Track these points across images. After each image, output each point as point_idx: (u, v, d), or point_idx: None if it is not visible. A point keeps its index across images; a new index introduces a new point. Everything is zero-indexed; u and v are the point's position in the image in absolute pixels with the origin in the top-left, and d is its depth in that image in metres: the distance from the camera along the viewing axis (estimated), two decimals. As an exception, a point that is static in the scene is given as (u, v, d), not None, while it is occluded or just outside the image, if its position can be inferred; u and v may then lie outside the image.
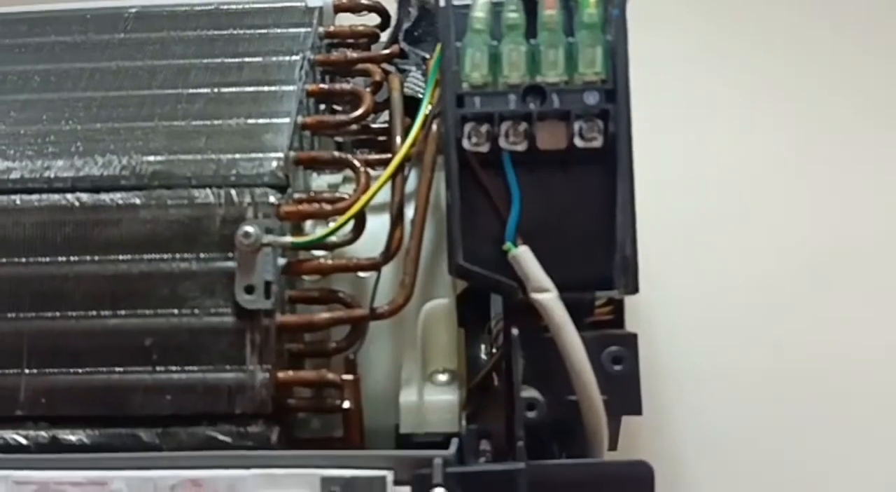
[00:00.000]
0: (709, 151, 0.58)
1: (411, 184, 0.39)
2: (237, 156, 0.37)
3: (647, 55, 0.37)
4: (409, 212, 0.38)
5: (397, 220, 0.36)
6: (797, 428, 0.55)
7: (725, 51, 0.60)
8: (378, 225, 0.38)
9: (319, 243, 0.36)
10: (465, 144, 0.33)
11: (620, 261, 0.32)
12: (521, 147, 0.33)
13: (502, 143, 0.33)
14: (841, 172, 0.58)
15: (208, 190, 0.36)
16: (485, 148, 0.33)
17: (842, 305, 0.56)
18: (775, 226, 0.57)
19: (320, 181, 0.43)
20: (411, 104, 0.42)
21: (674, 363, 0.56)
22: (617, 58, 0.32)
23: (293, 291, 0.37)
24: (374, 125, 0.43)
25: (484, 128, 0.32)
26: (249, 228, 0.35)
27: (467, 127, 0.33)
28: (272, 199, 0.36)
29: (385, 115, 0.43)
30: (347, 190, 0.40)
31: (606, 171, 0.33)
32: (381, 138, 0.44)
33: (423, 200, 0.37)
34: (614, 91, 0.32)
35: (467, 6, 0.34)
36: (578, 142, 0.32)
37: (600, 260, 0.33)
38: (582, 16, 0.32)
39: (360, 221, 0.37)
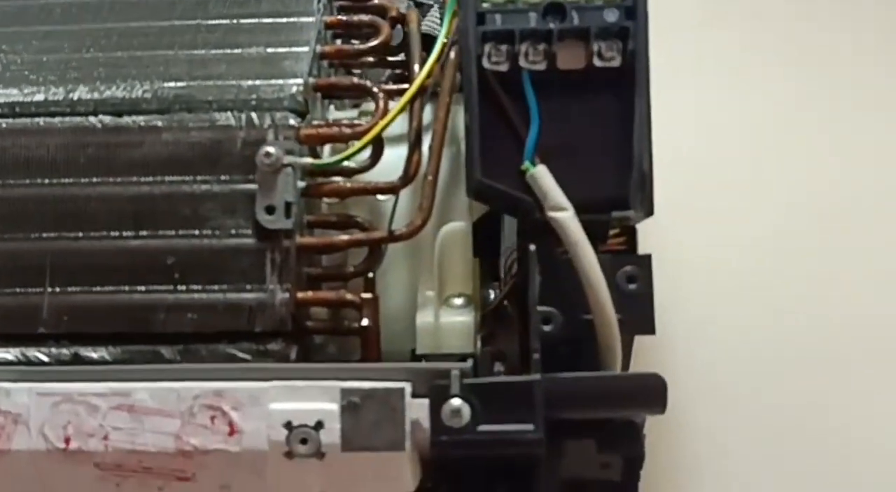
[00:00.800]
0: (714, 108, 0.57)
1: (427, 117, 0.41)
2: (257, 82, 0.38)
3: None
4: (426, 142, 0.39)
5: (415, 145, 0.37)
6: (803, 385, 0.55)
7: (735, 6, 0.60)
8: (395, 156, 0.39)
9: (338, 167, 0.38)
10: (485, 63, 0.33)
11: (637, 177, 0.33)
12: (541, 67, 0.33)
13: (522, 62, 0.33)
14: (855, 132, 0.57)
15: (229, 113, 0.36)
16: (504, 67, 0.33)
17: (853, 266, 0.55)
18: (783, 185, 0.56)
19: (337, 115, 0.44)
20: (428, 42, 0.43)
21: (678, 324, 0.57)
22: None
23: (311, 216, 0.38)
24: (391, 58, 0.44)
25: (504, 47, 0.33)
26: (270, 149, 0.35)
27: (487, 46, 0.33)
28: (292, 122, 0.36)
29: (400, 58, 0.44)
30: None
31: (624, 92, 0.33)
32: (398, 71, 0.45)
33: (440, 126, 0.37)
34: (634, 8, 0.32)
35: None
36: (597, 61, 0.33)
37: (616, 181, 0.34)
38: None
39: (377, 147, 0.38)
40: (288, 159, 0.35)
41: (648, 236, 0.39)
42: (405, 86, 0.40)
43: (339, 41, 0.44)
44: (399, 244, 0.37)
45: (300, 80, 0.38)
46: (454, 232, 0.37)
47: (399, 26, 0.43)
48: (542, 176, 0.33)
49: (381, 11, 0.45)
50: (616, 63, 0.33)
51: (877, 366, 0.56)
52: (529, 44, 0.33)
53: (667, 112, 0.53)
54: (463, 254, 0.37)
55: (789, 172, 0.58)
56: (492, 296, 0.41)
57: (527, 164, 0.34)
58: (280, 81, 0.38)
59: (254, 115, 0.36)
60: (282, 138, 0.36)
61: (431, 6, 0.44)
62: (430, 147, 0.37)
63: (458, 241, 0.37)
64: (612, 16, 0.32)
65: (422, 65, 0.40)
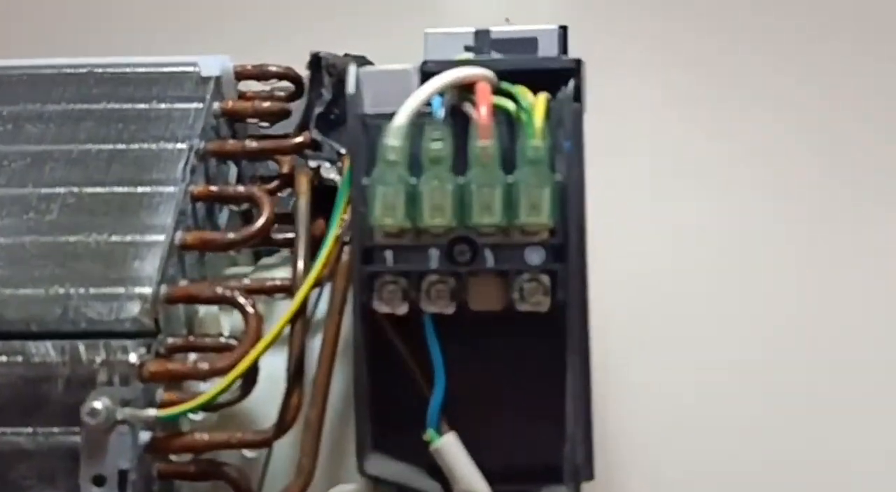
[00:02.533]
0: (675, 216, 0.53)
1: (322, 307, 0.34)
2: (91, 291, 0.30)
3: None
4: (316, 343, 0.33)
5: (294, 382, 0.29)
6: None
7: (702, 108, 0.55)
8: (280, 365, 0.33)
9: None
10: (377, 305, 0.26)
11: (570, 451, 0.26)
12: (448, 309, 0.26)
13: (424, 303, 0.26)
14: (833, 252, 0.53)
15: (48, 344, 0.29)
16: (402, 310, 0.26)
17: (832, 407, 0.50)
18: (748, 312, 0.51)
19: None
20: (329, 192, 0.37)
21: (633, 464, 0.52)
22: (569, 203, 0.26)
23: (164, 465, 0.30)
24: (277, 236, 0.36)
25: (399, 286, 0.26)
26: (97, 405, 0.27)
27: (378, 283, 0.26)
28: (132, 357, 0.29)
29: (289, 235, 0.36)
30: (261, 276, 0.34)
31: (555, 337, 0.27)
32: (287, 251, 0.38)
33: (327, 356, 0.30)
34: (564, 246, 0.26)
35: (387, 116, 0.27)
36: (519, 305, 0.26)
37: (547, 446, 0.27)
38: (525, 148, 0.26)
39: (251, 375, 0.31)
40: (123, 413, 0.28)
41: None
42: (289, 277, 0.34)
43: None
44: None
45: (147, 291, 0.30)
46: (345, 497, 0.31)
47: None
48: (449, 451, 0.26)
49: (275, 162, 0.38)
50: (543, 308, 0.26)
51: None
52: (433, 281, 0.26)
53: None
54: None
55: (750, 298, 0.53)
56: None
57: (431, 433, 0.27)
58: (121, 291, 0.30)
59: (81, 347, 0.29)
60: (117, 379, 0.29)
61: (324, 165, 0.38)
62: (314, 382, 0.31)
63: (351, 507, 0.32)
64: (535, 257, 0.25)
65: (307, 257, 0.34)
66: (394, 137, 0.26)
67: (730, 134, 0.55)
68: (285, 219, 0.37)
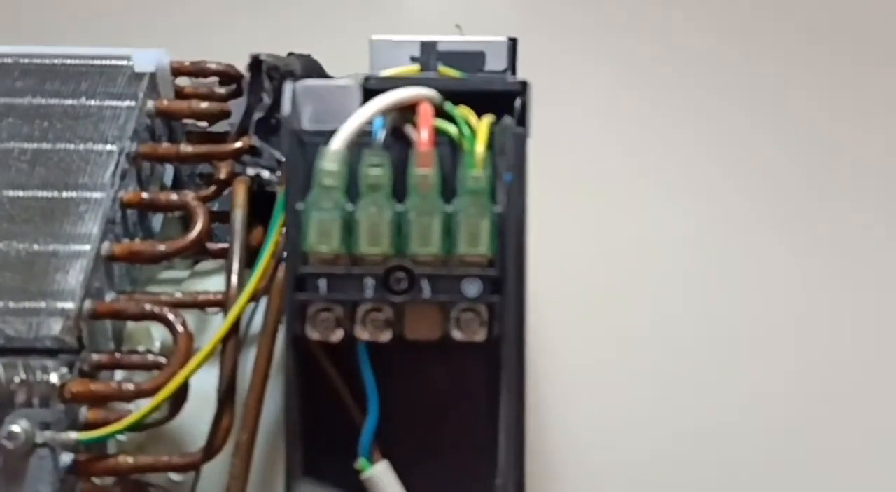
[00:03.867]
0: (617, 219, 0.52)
1: (256, 321, 0.34)
2: (10, 305, 0.30)
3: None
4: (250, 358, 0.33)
5: (225, 403, 0.29)
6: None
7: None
8: (211, 381, 0.33)
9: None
10: (309, 332, 0.26)
11: (501, 488, 0.26)
12: (384, 338, 0.26)
13: (358, 331, 0.26)
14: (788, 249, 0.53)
15: (-37, 362, 0.29)
16: (336, 337, 0.26)
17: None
18: (694, 307, 0.51)
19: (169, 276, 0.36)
20: (269, 197, 0.37)
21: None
22: (508, 234, 0.26)
23: (87, 486, 0.30)
24: (211, 245, 0.35)
25: (333, 314, 0.26)
26: (15, 428, 0.27)
27: (311, 309, 0.26)
28: (53, 377, 0.28)
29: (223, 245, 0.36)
30: (194, 287, 0.33)
31: (491, 368, 0.27)
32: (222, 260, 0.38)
33: (259, 379, 0.30)
34: (502, 279, 0.26)
35: (326, 134, 0.27)
36: (456, 334, 0.26)
37: (480, 477, 0.28)
38: (465, 178, 0.26)
39: (180, 394, 0.31)
40: (43, 437, 0.28)
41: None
42: (221, 291, 0.33)
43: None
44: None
45: (70, 305, 0.30)
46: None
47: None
48: (381, 479, 0.27)
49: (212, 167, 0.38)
50: (480, 337, 0.26)
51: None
52: (368, 309, 0.26)
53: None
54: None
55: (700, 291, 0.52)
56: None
57: (362, 461, 0.27)
58: (42, 305, 0.30)
59: (-1, 365, 0.30)
60: (37, 400, 0.28)
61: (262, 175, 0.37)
62: (246, 404, 0.31)
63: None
64: (472, 289, 0.25)
65: (243, 274, 0.33)
66: (330, 162, 0.26)
67: (702, 136, 0.53)
68: (223, 218, 0.37)
